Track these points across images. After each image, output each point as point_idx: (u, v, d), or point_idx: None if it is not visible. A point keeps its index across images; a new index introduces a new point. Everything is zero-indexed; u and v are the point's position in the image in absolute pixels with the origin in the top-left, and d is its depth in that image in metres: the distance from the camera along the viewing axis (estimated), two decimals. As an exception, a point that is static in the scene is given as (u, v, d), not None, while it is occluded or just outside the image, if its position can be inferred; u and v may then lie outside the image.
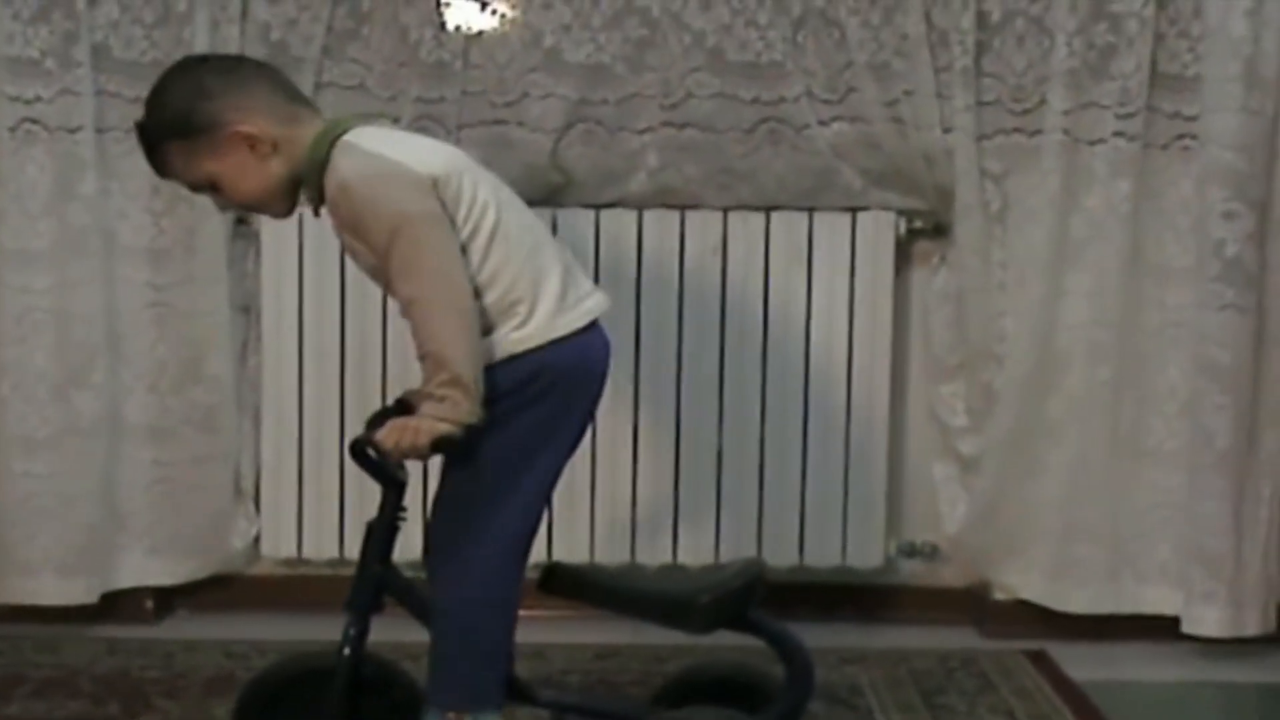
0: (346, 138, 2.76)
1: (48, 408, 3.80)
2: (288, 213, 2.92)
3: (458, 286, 2.70)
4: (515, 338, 2.73)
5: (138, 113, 3.42)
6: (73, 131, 3.75)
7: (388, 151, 2.75)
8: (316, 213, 2.86)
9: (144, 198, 3.83)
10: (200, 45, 3.78)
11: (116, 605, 3.96)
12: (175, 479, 3.96)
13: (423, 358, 2.67)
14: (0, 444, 3.82)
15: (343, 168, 2.72)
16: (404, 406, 2.84)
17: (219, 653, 3.63)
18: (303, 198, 2.82)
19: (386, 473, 2.82)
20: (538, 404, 2.76)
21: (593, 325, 2.86)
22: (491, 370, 2.71)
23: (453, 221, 2.74)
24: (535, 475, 2.81)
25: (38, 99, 3.76)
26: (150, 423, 3.92)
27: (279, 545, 3.99)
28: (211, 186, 2.83)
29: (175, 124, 2.78)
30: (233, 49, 3.81)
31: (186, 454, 3.95)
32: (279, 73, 3.04)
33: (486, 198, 2.77)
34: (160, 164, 2.84)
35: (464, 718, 2.85)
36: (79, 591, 3.88)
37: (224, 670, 3.49)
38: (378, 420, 2.86)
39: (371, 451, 2.77)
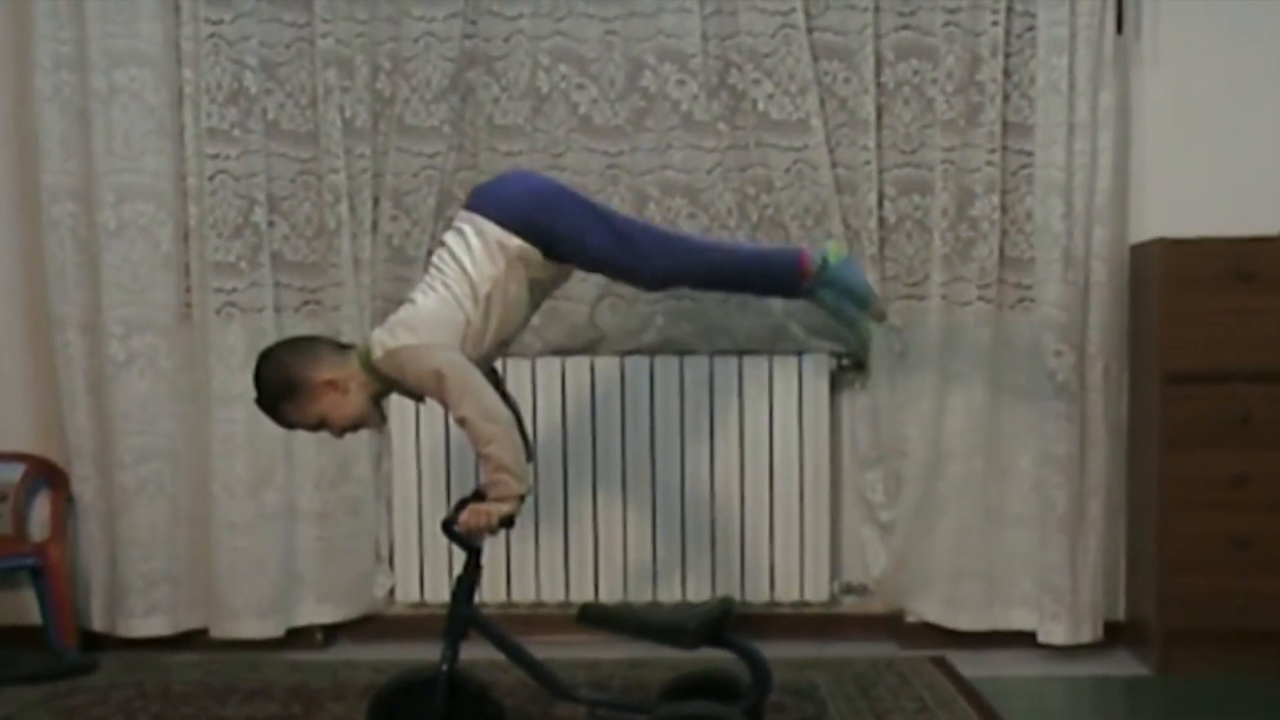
0: (375, 355, 3.19)
1: (245, 501, 4.27)
2: (382, 421, 3.37)
3: (487, 401, 3.11)
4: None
5: (304, 299, 4.25)
6: (258, 311, 4.27)
7: (405, 340, 3.17)
8: (419, 400, 3.40)
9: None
10: (345, 252, 4.24)
11: (296, 637, 4.39)
12: (334, 549, 4.39)
13: (479, 456, 3.12)
14: (213, 527, 4.28)
15: (391, 371, 3.18)
16: (479, 494, 3.19)
17: (368, 669, 4.01)
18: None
19: (467, 542, 3.21)
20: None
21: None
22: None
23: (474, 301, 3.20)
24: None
25: (234, 290, 4.27)
26: (316, 510, 4.37)
27: (408, 593, 4.39)
28: (322, 423, 3.26)
29: (279, 392, 3.24)
30: (367, 255, 4.27)
31: (341, 531, 4.38)
32: (325, 336, 3.56)
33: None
34: (282, 420, 3.29)
35: (815, 264, 3.42)
36: (270, 628, 4.33)
37: (373, 682, 3.73)
38: (460, 506, 3.23)
39: (456, 528, 3.18)
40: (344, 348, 3.32)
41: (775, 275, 3.52)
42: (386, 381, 3.23)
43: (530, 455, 3.32)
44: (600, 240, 3.30)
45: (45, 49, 4.18)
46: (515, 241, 3.23)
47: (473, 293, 3.22)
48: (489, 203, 3.29)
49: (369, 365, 3.21)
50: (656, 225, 3.52)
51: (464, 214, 3.31)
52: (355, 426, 3.30)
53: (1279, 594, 4.01)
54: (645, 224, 3.50)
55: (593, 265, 3.44)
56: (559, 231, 3.26)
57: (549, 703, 3.51)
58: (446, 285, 3.24)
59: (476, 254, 3.23)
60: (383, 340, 3.19)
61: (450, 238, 3.30)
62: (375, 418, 3.30)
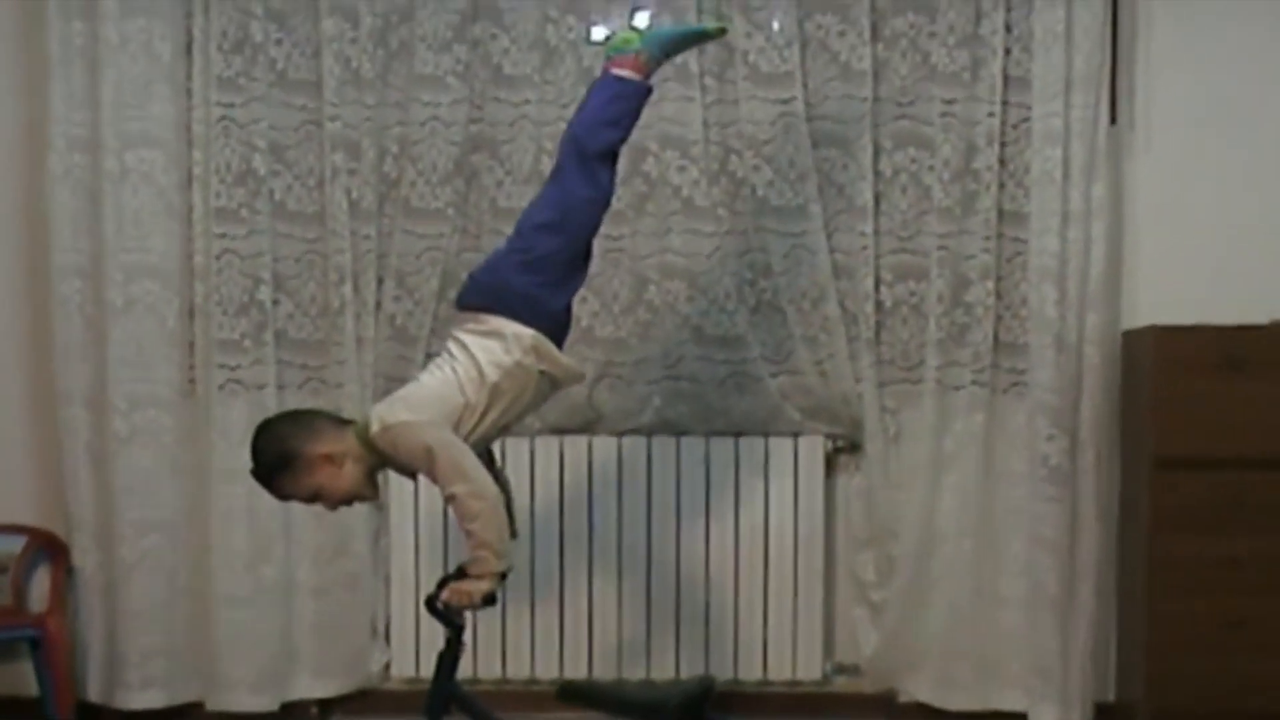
0: (372, 430, 3.21)
1: (243, 575, 4.32)
2: (376, 495, 3.36)
3: (475, 480, 3.12)
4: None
5: (306, 377, 4.28)
6: (261, 388, 4.34)
7: (401, 417, 3.19)
8: (414, 478, 3.42)
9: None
10: (348, 330, 4.30)
11: (292, 712, 4.44)
12: (331, 623, 4.42)
13: (463, 532, 3.14)
14: (211, 601, 4.32)
15: (385, 446, 3.18)
16: (461, 572, 3.19)
17: None
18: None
19: (449, 619, 3.21)
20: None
21: None
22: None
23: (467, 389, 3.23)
24: None
25: (238, 366, 4.35)
26: (313, 585, 4.41)
27: (404, 668, 4.43)
28: (316, 496, 3.27)
29: (276, 464, 3.24)
30: (370, 334, 4.32)
31: (338, 606, 4.41)
32: (325, 410, 3.61)
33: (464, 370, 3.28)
34: (277, 492, 3.29)
35: (635, 56, 3.47)
36: (265, 701, 4.38)
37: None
38: (443, 583, 3.24)
39: (439, 605, 3.20)
40: (343, 422, 3.33)
41: (624, 97, 3.55)
42: (381, 456, 3.24)
43: (514, 533, 3.34)
44: (553, 239, 3.37)
45: (59, 131, 4.27)
46: (529, 333, 3.26)
47: (480, 379, 3.24)
48: (491, 299, 3.33)
49: (366, 440, 3.22)
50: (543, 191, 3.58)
51: (476, 316, 3.33)
52: (349, 500, 3.30)
53: (1268, 676, 4.03)
54: (538, 197, 3.58)
55: (579, 236, 3.47)
56: (548, 260, 3.34)
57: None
58: (454, 369, 3.27)
59: (492, 346, 3.26)
60: (380, 415, 3.22)
61: (461, 334, 3.33)
62: (369, 492, 3.31)
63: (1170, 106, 4.38)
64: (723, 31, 3.82)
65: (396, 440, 3.18)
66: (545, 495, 4.38)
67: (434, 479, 3.16)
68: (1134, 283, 4.37)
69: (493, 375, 3.26)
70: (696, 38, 3.76)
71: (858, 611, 4.49)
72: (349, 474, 3.23)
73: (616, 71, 3.54)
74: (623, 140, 3.57)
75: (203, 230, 4.32)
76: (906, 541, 4.37)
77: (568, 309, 3.47)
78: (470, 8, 4.34)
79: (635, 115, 3.59)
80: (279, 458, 3.23)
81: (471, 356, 3.27)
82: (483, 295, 3.36)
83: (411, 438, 3.16)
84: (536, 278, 3.35)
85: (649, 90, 3.58)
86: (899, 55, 4.35)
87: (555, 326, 3.39)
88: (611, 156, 3.53)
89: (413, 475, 3.38)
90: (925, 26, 4.33)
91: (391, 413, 3.21)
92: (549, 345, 3.32)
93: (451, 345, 3.35)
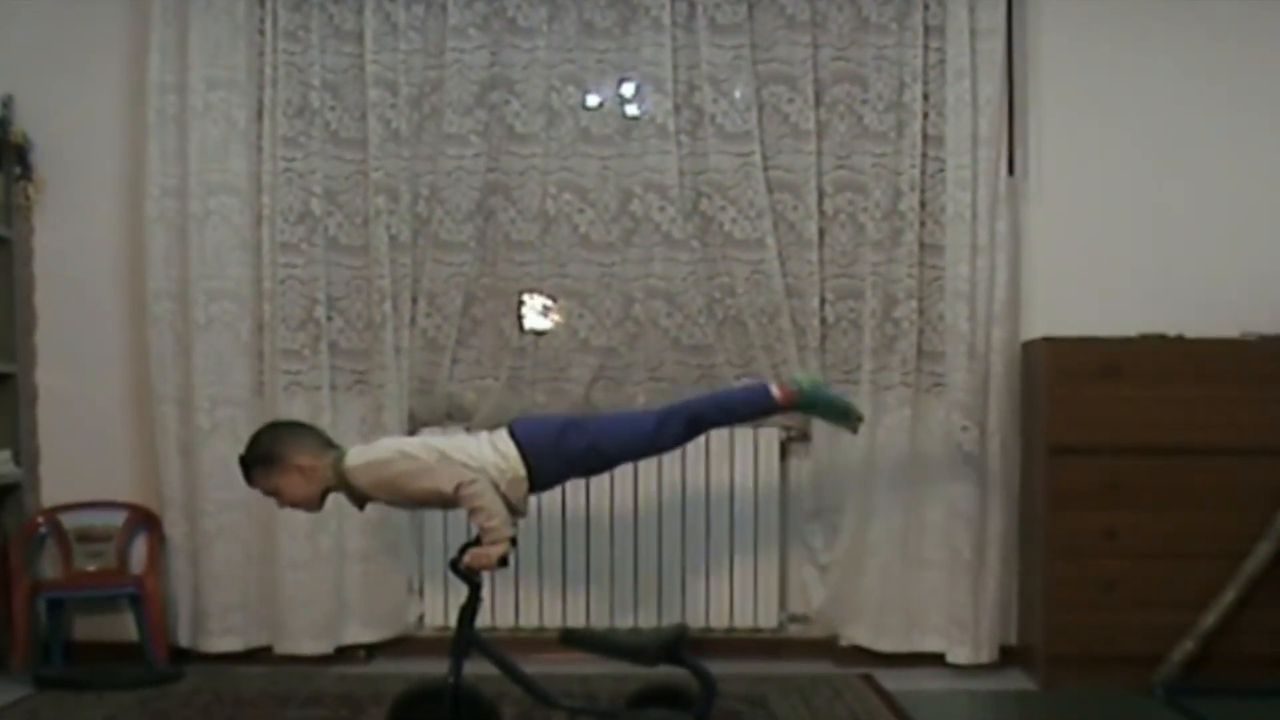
0: (349, 463, 3.50)
1: (304, 544, 4.65)
2: (319, 508, 3.65)
3: (461, 473, 3.46)
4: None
5: (354, 380, 4.55)
6: (317, 389, 4.70)
7: (383, 456, 3.52)
8: (361, 508, 3.69)
9: (355, 423, 4.68)
10: (388, 341, 4.62)
11: (344, 654, 4.73)
12: (375, 582, 4.75)
13: (471, 512, 3.49)
14: (277, 565, 4.66)
15: (363, 477, 3.52)
16: (478, 540, 3.49)
17: (402, 681, 4.05)
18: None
19: (469, 578, 3.51)
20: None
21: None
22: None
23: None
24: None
25: (298, 371, 4.71)
26: (361, 551, 4.72)
27: (435, 619, 4.77)
28: (274, 492, 3.57)
29: (261, 458, 3.56)
30: (406, 344, 4.65)
31: (381, 568, 4.75)
32: (318, 429, 3.81)
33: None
34: (246, 477, 3.60)
35: (791, 390, 3.81)
36: (322, 646, 4.70)
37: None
38: (465, 548, 3.55)
39: (461, 566, 3.50)
40: (330, 445, 3.65)
41: (755, 404, 3.93)
42: (344, 484, 3.57)
43: (514, 511, 3.65)
44: (610, 442, 3.78)
45: (155, 181, 4.65)
46: (522, 474, 3.61)
47: (453, 460, 3.56)
48: (527, 437, 3.66)
49: (339, 467, 3.56)
50: (635, 412, 4.10)
51: (507, 439, 3.66)
52: (296, 505, 3.63)
53: (1138, 626, 4.43)
54: (628, 414, 4.11)
55: (614, 459, 3.87)
56: (569, 448, 3.69)
57: (540, 710, 3.81)
58: (450, 442, 3.65)
59: (494, 458, 3.61)
60: (363, 452, 3.60)
61: (489, 433, 3.72)
62: (315, 507, 3.64)
63: (1056, 161, 4.81)
64: (860, 420, 4.09)
65: (385, 469, 3.52)
66: (551, 477, 4.66)
67: (437, 487, 3.49)
68: (1030, 302, 4.77)
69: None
70: (839, 414, 4.02)
71: (807, 571, 4.84)
72: (310, 487, 3.57)
73: (772, 385, 3.94)
74: (714, 426, 4.02)
75: (270, 261, 4.68)
76: (847, 514, 4.72)
77: (567, 477, 3.85)
78: (488, 79, 4.73)
79: (741, 420, 4.10)
80: (266, 454, 3.58)
81: (473, 448, 3.61)
82: (526, 435, 3.66)
83: (400, 465, 3.52)
84: (567, 453, 3.69)
85: (770, 412, 3.99)
86: (838, 118, 4.75)
87: (547, 476, 3.70)
88: (695, 428, 3.85)
89: (360, 505, 3.68)
90: (859, 95, 4.74)
91: (374, 452, 3.59)
92: (523, 487, 3.61)
93: (473, 435, 3.77)
